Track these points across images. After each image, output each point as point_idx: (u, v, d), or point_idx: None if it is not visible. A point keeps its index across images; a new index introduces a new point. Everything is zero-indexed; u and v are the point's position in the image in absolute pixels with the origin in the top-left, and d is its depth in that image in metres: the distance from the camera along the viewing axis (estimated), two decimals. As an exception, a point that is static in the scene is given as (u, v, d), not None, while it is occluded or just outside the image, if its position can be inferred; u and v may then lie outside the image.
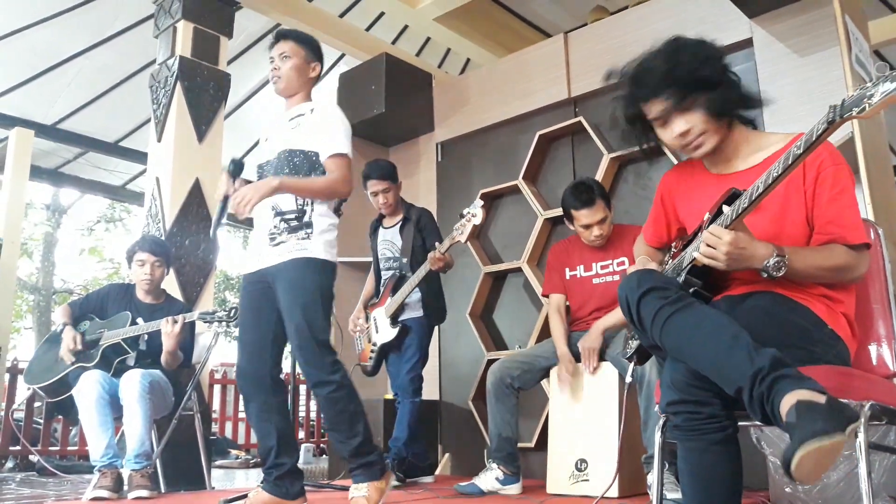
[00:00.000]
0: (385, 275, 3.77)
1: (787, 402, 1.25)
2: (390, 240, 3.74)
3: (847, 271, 1.61)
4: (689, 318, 1.48)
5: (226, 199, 2.53)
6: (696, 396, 1.46)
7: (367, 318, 3.78)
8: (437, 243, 3.46)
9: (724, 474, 1.47)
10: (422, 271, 3.47)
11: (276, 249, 2.49)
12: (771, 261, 1.52)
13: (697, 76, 1.67)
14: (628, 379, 1.98)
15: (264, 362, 2.50)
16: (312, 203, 2.52)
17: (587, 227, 3.16)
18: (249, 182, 2.53)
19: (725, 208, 1.59)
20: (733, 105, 1.72)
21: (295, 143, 2.55)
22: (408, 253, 3.62)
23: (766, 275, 1.54)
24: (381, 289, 3.77)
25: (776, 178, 1.46)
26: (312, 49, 2.68)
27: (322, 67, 2.72)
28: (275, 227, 2.51)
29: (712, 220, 1.62)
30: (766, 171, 1.48)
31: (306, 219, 2.49)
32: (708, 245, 1.55)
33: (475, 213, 3.23)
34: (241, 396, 8.25)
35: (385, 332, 3.62)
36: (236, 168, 2.59)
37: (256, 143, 7.45)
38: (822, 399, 1.23)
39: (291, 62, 2.62)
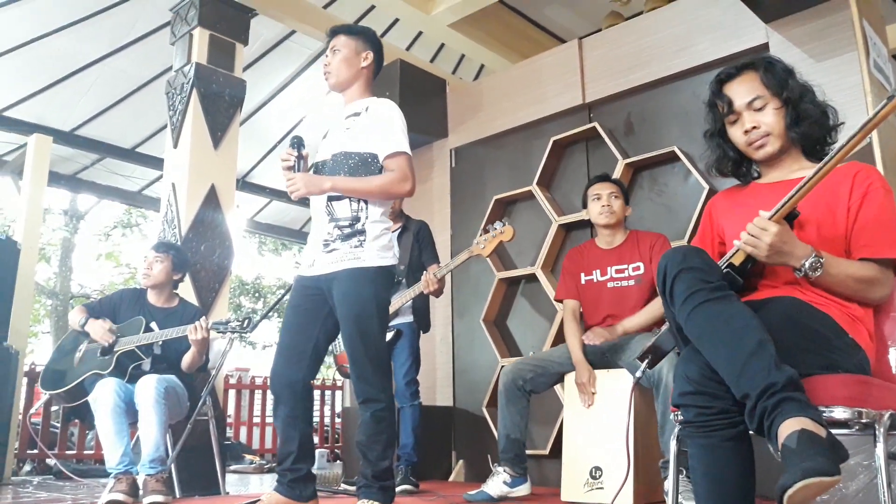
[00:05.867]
0: None
1: (790, 427, 1.24)
2: None
3: (875, 286, 1.63)
4: (723, 310, 1.47)
5: (297, 159, 2.50)
6: (710, 388, 1.44)
7: None
8: (435, 265, 3.58)
9: (735, 473, 1.45)
10: (417, 288, 3.56)
11: (329, 257, 2.44)
12: (808, 261, 1.55)
13: (782, 79, 1.81)
14: (638, 374, 1.89)
15: (300, 368, 2.46)
16: (367, 209, 2.45)
17: (598, 197, 3.23)
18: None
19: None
20: (806, 125, 1.78)
21: (349, 146, 2.48)
22: (405, 261, 3.66)
23: (800, 274, 1.56)
24: None
25: (828, 163, 1.51)
26: (365, 38, 2.61)
27: (375, 56, 2.61)
28: (328, 233, 2.46)
29: None
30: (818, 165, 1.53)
31: (359, 226, 2.44)
32: (752, 235, 1.56)
33: (504, 230, 3.40)
34: (254, 401, 8.36)
35: None
36: (300, 143, 2.54)
37: (272, 150, 7.52)
38: (823, 433, 1.23)
39: (340, 55, 2.56)
